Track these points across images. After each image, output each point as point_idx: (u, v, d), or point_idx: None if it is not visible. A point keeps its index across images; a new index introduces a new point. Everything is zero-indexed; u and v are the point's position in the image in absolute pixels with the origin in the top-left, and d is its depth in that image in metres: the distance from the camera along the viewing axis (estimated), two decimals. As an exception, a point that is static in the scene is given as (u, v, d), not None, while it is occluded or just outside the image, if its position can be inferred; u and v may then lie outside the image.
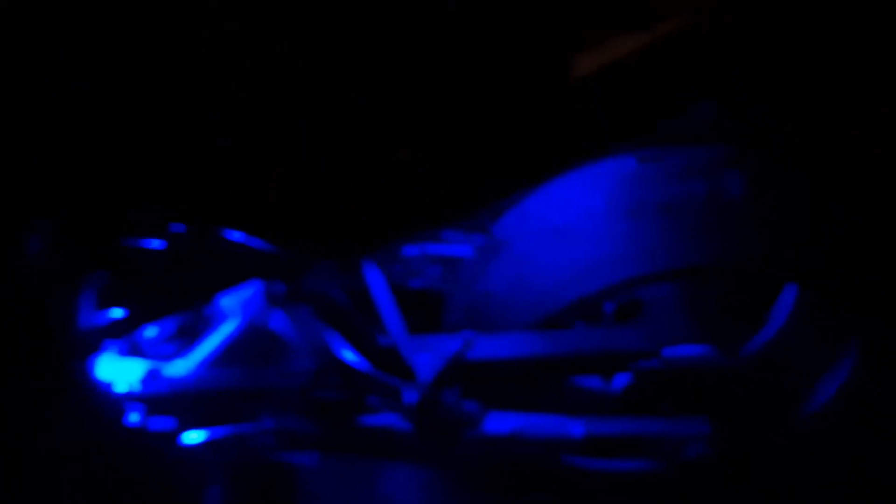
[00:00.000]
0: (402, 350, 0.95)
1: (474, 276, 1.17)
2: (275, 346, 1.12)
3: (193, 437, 1.14)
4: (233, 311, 1.16)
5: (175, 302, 1.03)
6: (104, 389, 1.14)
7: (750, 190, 0.99)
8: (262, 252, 0.89)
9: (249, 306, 1.11)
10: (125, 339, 1.23)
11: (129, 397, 1.15)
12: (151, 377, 1.17)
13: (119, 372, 1.18)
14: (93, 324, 1.01)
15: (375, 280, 0.94)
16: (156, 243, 0.93)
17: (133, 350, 1.23)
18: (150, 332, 1.24)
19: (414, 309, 1.48)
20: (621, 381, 1.16)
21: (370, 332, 0.98)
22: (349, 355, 1.02)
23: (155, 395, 1.15)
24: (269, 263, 0.88)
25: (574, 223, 1.04)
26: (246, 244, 0.89)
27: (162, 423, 1.15)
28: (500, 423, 1.13)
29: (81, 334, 1.00)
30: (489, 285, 1.15)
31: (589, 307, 1.11)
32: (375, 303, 0.94)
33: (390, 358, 0.96)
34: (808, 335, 1.24)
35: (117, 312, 1.03)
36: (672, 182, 1.00)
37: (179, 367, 1.18)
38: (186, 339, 1.23)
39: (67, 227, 0.88)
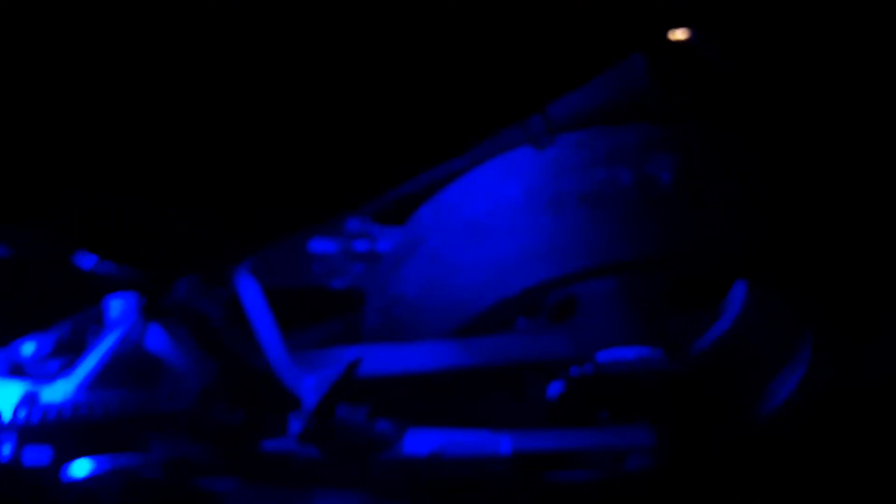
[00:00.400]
0: (282, 375, 0.82)
1: (387, 276, 1.05)
2: (156, 366, 1.00)
3: (75, 469, 1.02)
4: (110, 326, 1.03)
5: (31, 320, 0.90)
6: (-31, 420, 1.01)
7: (681, 174, 0.86)
8: (118, 272, 0.76)
9: (125, 321, 0.98)
10: (1, 358, 1.10)
11: (2, 427, 1.02)
12: (27, 402, 1.04)
13: (-5, 396, 1.05)
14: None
15: (250, 294, 0.81)
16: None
17: (12, 369, 1.10)
18: (29, 348, 1.11)
19: (337, 311, 1.35)
20: (554, 389, 1.04)
21: (248, 354, 0.85)
22: (232, 377, 0.89)
23: (30, 424, 1.02)
24: (123, 282, 0.75)
25: (489, 218, 0.92)
26: (97, 265, 0.76)
27: (38, 456, 1.02)
28: (419, 441, 1.02)
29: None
30: (403, 287, 1.02)
31: (514, 309, 0.99)
32: (250, 320, 0.81)
33: (272, 382, 0.84)
34: (761, 329, 1.13)
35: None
36: (594, 169, 0.88)
37: (59, 389, 1.05)
38: (67, 355, 1.10)
39: None
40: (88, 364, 1.05)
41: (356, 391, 0.95)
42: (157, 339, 0.97)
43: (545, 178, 0.89)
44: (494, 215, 0.92)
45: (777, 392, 1.15)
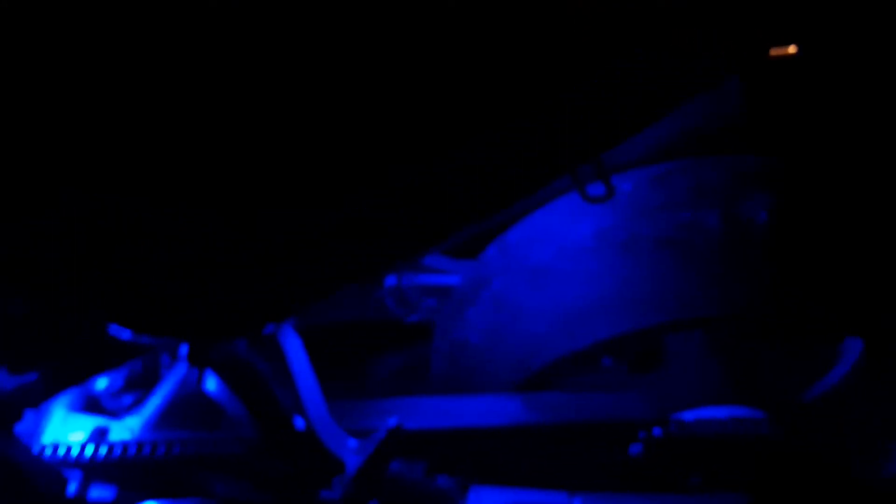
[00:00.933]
0: (323, 437, 0.77)
1: (452, 319, 0.98)
2: (217, 410, 0.98)
3: (138, 509, 1.01)
4: (176, 366, 1.03)
5: (103, 357, 0.90)
6: (42, 454, 1.02)
7: (779, 217, 0.74)
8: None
9: (183, 366, 0.97)
10: (77, 392, 1.12)
11: (70, 462, 1.03)
12: (96, 437, 1.05)
13: (65, 431, 1.07)
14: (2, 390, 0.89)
15: (294, 352, 0.77)
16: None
17: (86, 404, 1.12)
18: (102, 383, 1.12)
19: (411, 342, 1.30)
20: (635, 450, 0.94)
21: (292, 412, 0.81)
22: (276, 432, 0.85)
23: (97, 460, 1.03)
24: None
25: (556, 261, 0.83)
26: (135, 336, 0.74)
27: (103, 493, 1.02)
28: (483, 500, 0.94)
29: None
30: (467, 333, 0.95)
31: (587, 359, 0.90)
32: (294, 379, 0.77)
33: (314, 442, 0.79)
34: (881, 382, 0.98)
35: (28, 377, 0.90)
36: (675, 209, 0.77)
37: (127, 426, 1.05)
38: (140, 390, 1.11)
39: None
40: (154, 402, 1.05)
41: (414, 445, 0.89)
42: (214, 385, 0.95)
43: (618, 219, 0.79)
44: (562, 259, 0.83)
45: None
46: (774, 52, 0.73)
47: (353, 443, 0.78)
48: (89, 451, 1.02)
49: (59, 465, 1.03)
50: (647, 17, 0.52)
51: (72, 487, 1.01)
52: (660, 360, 1.00)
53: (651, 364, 1.01)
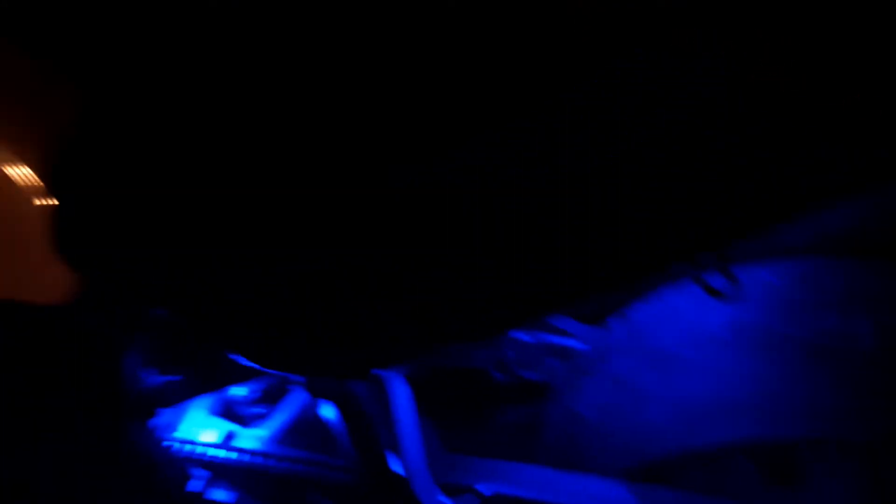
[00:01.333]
0: (418, 491, 0.76)
1: (570, 390, 0.95)
2: (333, 437, 1.01)
3: (250, 517, 1.06)
4: (297, 392, 1.08)
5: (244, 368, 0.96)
6: (174, 450, 1.11)
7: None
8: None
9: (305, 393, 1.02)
10: (217, 396, 1.21)
11: (198, 461, 1.11)
12: (227, 440, 1.12)
13: (200, 430, 1.15)
14: (147, 386, 0.98)
15: (402, 402, 0.78)
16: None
17: (223, 410, 1.20)
18: (239, 392, 1.20)
19: (521, 402, 1.27)
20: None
21: (392, 459, 0.81)
22: (375, 474, 0.86)
23: (225, 463, 1.10)
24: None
25: (682, 349, 0.77)
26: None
27: (224, 495, 1.09)
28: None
29: (139, 396, 0.98)
30: (583, 407, 0.91)
31: (711, 459, 0.82)
32: (397, 429, 0.77)
33: (408, 494, 0.78)
34: None
35: (169, 376, 0.98)
36: (822, 311, 0.69)
37: (254, 436, 1.12)
38: (270, 404, 1.17)
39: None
40: (279, 419, 1.10)
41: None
42: (331, 413, 0.98)
43: (757, 313, 0.72)
44: (690, 347, 0.77)
45: None
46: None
47: (445, 499, 0.77)
48: (221, 452, 1.09)
49: (188, 462, 1.11)
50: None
51: (197, 484, 1.08)
52: (799, 472, 0.89)
53: (789, 475, 0.90)
